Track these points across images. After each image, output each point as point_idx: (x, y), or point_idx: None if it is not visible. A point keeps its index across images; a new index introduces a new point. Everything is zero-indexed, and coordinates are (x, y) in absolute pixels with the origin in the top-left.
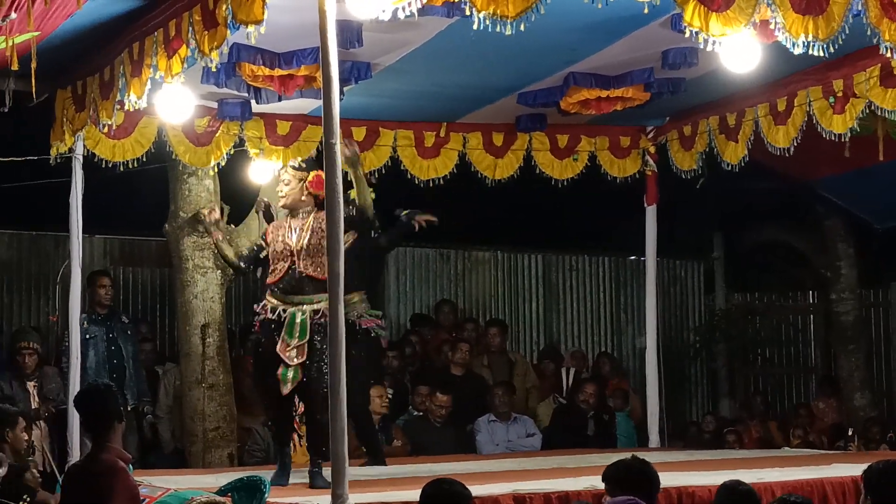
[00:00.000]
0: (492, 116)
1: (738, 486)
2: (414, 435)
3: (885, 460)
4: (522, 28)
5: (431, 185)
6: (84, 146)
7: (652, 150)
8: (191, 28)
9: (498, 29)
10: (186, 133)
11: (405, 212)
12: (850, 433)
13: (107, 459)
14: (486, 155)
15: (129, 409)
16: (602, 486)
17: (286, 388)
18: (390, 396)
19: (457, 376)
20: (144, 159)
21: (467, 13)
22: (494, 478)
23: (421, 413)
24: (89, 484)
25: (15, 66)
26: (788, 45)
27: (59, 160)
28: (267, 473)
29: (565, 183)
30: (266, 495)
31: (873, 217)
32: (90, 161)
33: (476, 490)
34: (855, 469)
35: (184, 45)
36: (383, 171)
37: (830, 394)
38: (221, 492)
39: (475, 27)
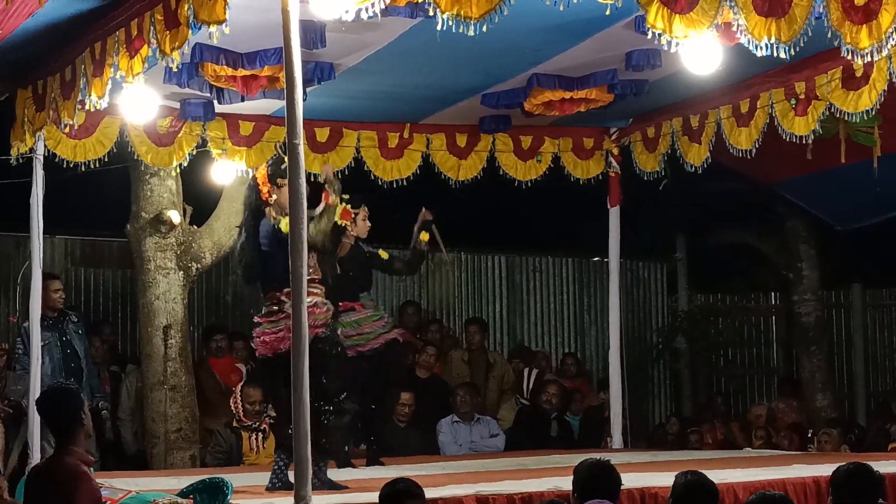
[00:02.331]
0: (455, 117)
1: (695, 479)
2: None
3: (851, 462)
4: (486, 29)
5: (395, 185)
6: (45, 146)
7: (615, 151)
8: (152, 28)
9: (461, 30)
10: (148, 133)
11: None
12: (809, 434)
13: (69, 462)
14: (449, 156)
15: (89, 410)
16: (565, 487)
17: None
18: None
19: (421, 379)
20: (106, 159)
21: (431, 14)
22: (457, 479)
23: None
24: (51, 487)
25: None
26: (751, 48)
27: (19, 160)
28: (229, 475)
29: (529, 184)
30: (229, 497)
31: (835, 219)
32: (51, 161)
33: (439, 491)
34: (816, 470)
35: (145, 45)
36: (346, 172)
37: (790, 395)
38: (184, 493)
39: (439, 28)
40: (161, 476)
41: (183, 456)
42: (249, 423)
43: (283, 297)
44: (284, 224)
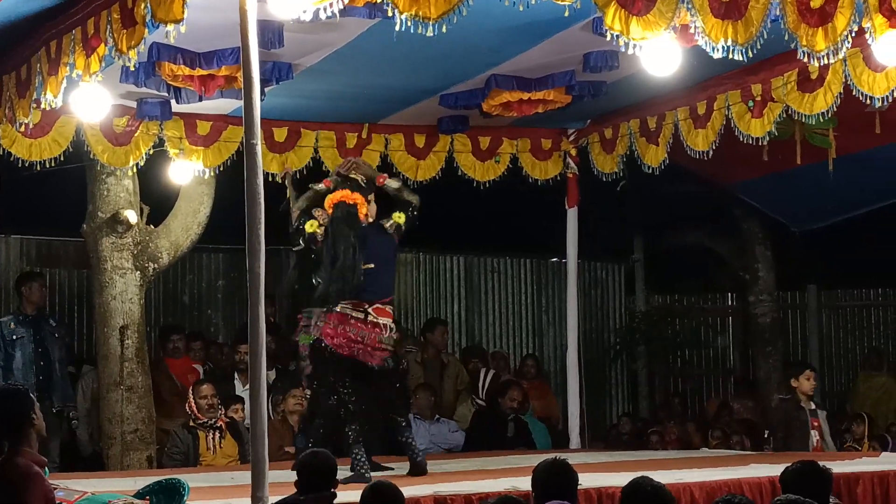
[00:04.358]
0: (414, 118)
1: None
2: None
3: (800, 461)
4: (444, 30)
5: None
6: (0, 145)
7: (573, 152)
8: (109, 26)
9: (420, 30)
10: (105, 132)
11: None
12: (765, 434)
13: (21, 463)
14: (407, 156)
15: (54, 411)
16: (523, 487)
17: None
18: (307, 397)
19: None
20: (62, 159)
21: (389, 14)
22: (416, 479)
23: None
24: (3, 488)
25: None
26: (708, 50)
27: None
28: (186, 476)
29: (487, 185)
30: (185, 497)
31: (791, 220)
32: (6, 160)
33: None
34: (771, 469)
35: (102, 44)
36: (304, 172)
37: (746, 395)
38: (140, 495)
39: (397, 28)
40: (117, 477)
41: (139, 457)
42: (205, 420)
43: (370, 310)
44: (398, 216)
